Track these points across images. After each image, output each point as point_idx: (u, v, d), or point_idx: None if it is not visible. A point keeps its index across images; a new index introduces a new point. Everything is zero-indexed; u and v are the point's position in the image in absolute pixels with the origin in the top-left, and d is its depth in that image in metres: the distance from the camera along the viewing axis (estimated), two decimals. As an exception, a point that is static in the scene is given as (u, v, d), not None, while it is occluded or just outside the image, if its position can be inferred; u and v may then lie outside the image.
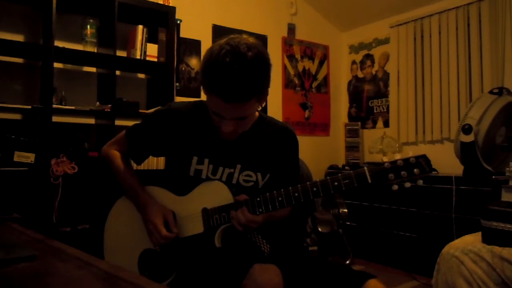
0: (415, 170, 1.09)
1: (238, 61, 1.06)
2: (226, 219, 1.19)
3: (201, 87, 1.18)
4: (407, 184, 1.09)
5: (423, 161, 1.08)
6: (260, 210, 1.17)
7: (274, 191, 1.17)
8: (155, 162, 2.66)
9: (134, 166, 1.45)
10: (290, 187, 1.15)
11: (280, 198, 1.16)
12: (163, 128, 1.31)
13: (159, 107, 1.48)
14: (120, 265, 1.27)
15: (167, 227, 1.22)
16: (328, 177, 1.12)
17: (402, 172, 1.09)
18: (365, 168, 1.10)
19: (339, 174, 1.12)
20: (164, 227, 1.21)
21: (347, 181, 1.10)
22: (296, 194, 1.14)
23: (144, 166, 2.53)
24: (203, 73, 1.12)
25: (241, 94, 1.08)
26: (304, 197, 1.14)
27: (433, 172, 1.11)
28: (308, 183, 1.15)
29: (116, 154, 1.38)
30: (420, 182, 1.09)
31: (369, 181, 1.09)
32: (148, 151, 1.39)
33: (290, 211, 1.41)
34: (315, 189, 1.13)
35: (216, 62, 1.07)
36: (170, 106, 1.36)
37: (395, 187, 1.10)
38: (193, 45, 3.40)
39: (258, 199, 1.17)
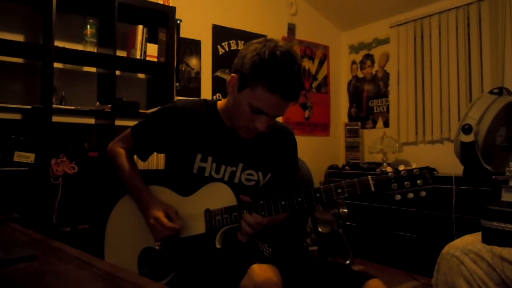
0: (418, 181, 1.10)
1: (295, 63, 1.15)
2: (229, 221, 1.19)
3: (241, 84, 1.19)
4: (410, 195, 1.11)
5: (426, 173, 1.10)
6: (263, 213, 1.17)
7: (278, 196, 1.17)
8: (155, 162, 2.66)
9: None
10: (293, 192, 1.16)
11: (283, 202, 1.16)
12: (168, 125, 1.32)
13: (163, 105, 1.49)
14: (119, 262, 1.28)
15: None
16: (332, 184, 1.13)
17: (406, 183, 1.10)
18: (369, 176, 1.12)
19: (343, 182, 1.13)
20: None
21: (350, 188, 1.12)
22: (299, 199, 1.15)
23: (144, 166, 2.53)
24: (256, 73, 1.13)
25: (298, 93, 1.19)
26: (307, 202, 1.15)
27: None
28: (311, 188, 1.16)
29: (121, 152, 1.40)
30: (423, 193, 1.10)
31: (372, 189, 1.11)
32: (153, 147, 1.41)
33: (287, 215, 1.41)
34: (318, 195, 1.14)
35: (276, 62, 1.12)
36: (175, 104, 1.38)
37: (398, 197, 1.12)
38: (193, 45, 3.40)
39: (261, 202, 1.18)
